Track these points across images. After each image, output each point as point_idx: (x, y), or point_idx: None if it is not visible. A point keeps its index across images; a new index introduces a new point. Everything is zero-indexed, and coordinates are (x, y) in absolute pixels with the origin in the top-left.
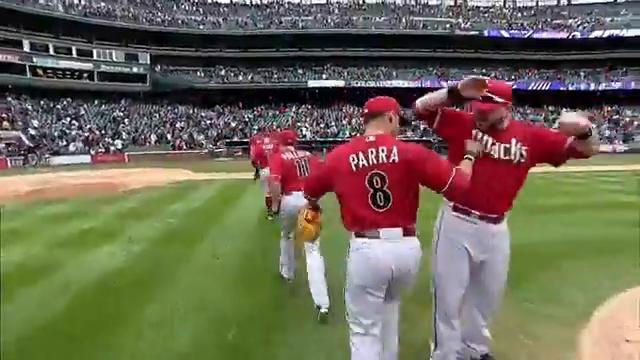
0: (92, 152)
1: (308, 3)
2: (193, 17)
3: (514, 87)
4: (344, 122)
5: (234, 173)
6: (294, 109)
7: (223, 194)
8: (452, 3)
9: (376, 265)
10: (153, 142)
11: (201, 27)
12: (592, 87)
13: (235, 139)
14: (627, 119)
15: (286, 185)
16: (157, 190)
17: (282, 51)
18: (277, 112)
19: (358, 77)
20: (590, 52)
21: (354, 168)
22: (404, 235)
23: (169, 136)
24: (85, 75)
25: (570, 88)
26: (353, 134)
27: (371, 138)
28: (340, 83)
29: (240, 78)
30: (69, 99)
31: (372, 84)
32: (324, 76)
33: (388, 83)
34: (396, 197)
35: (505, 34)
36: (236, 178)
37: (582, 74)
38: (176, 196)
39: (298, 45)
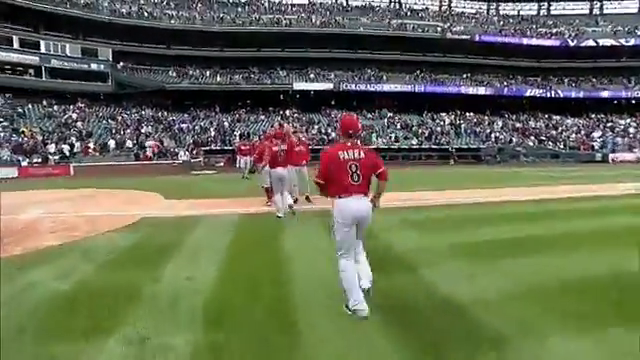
0: (23, 163)
1: (290, 2)
2: (163, 11)
3: (505, 93)
4: (336, 127)
5: (228, 200)
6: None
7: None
8: (437, 8)
9: (351, 211)
10: (111, 150)
11: (173, 22)
12: (582, 95)
13: (215, 146)
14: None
15: (273, 164)
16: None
17: (264, 51)
18: (259, 116)
19: (347, 80)
20: (582, 60)
21: (342, 159)
22: (364, 196)
23: (130, 142)
24: (31, 71)
25: (561, 95)
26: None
27: (349, 144)
28: (328, 86)
29: (218, 79)
30: (9, 98)
31: (362, 87)
32: (311, 77)
33: (379, 87)
34: (363, 177)
35: (498, 39)
36: (243, 213)
37: (568, 81)
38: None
39: (281, 45)
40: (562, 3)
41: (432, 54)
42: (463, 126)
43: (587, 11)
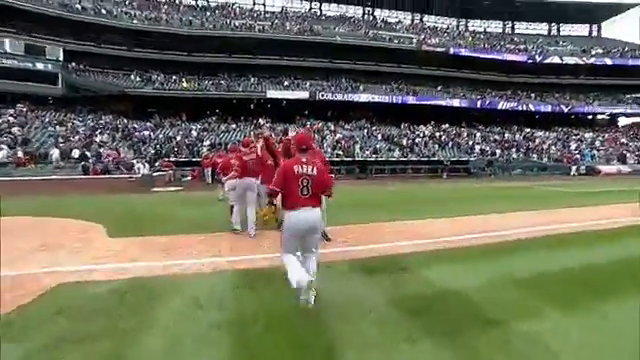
0: None
1: (263, 9)
2: (124, 9)
3: (478, 106)
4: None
5: (202, 236)
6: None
7: None
8: (410, 22)
9: (299, 223)
10: (54, 160)
11: (135, 22)
12: (549, 109)
13: (181, 158)
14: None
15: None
16: None
17: (235, 57)
18: (230, 125)
19: (323, 89)
20: (547, 76)
21: (296, 172)
22: (313, 208)
23: (77, 152)
24: None
25: (532, 109)
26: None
27: (304, 160)
28: (303, 95)
29: (185, 85)
30: None
31: (339, 97)
32: (285, 85)
33: (356, 97)
34: (313, 191)
35: (471, 53)
36: (230, 267)
37: (534, 95)
38: None
39: (253, 51)
40: (524, 23)
41: (408, 65)
42: (443, 138)
43: (546, 32)
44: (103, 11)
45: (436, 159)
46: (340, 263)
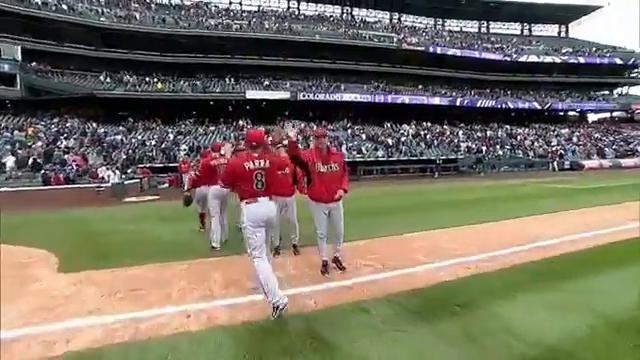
0: None
1: (240, 8)
2: (91, 6)
3: (458, 104)
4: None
5: (185, 264)
6: (230, 124)
7: None
8: (388, 21)
9: (259, 214)
10: (8, 169)
11: (103, 19)
12: (527, 106)
13: (157, 163)
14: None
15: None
16: None
17: (211, 57)
18: (209, 128)
19: (304, 89)
20: (523, 75)
21: (247, 169)
22: (270, 200)
23: (38, 160)
24: None
25: (511, 106)
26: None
27: (255, 155)
28: (284, 95)
29: (159, 87)
30: None
31: (321, 97)
32: (265, 85)
33: (338, 97)
34: (267, 184)
35: (450, 52)
36: (224, 321)
37: (510, 93)
38: None
39: (231, 51)
40: (499, 23)
41: (388, 65)
42: (428, 137)
43: (519, 31)
44: (64, 7)
45: (425, 158)
46: (376, 303)
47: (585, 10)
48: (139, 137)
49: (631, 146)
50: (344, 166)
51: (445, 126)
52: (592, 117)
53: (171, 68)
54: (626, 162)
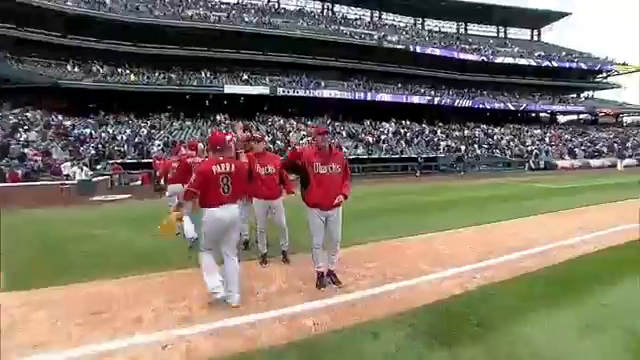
0: None
1: (218, 0)
2: None
3: (436, 103)
4: (278, 135)
5: (160, 277)
6: (207, 119)
7: None
8: (369, 19)
9: (218, 219)
10: None
11: (69, 4)
12: (502, 106)
13: (129, 159)
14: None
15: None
16: None
17: (188, 49)
18: (185, 123)
19: (284, 85)
20: (499, 76)
21: (214, 172)
22: (232, 204)
23: None
24: None
25: (487, 107)
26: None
27: (221, 158)
28: (264, 90)
29: (133, 78)
30: None
31: (302, 93)
32: (243, 79)
33: (318, 93)
34: (233, 188)
35: (430, 51)
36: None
37: (487, 93)
38: None
39: (209, 44)
40: (476, 25)
41: (369, 62)
42: (408, 135)
43: (495, 34)
44: None
45: (406, 156)
46: (385, 325)
47: (555, 16)
48: (110, 131)
49: (597, 147)
50: (346, 167)
51: (424, 125)
52: (561, 119)
53: (145, 59)
54: (594, 162)
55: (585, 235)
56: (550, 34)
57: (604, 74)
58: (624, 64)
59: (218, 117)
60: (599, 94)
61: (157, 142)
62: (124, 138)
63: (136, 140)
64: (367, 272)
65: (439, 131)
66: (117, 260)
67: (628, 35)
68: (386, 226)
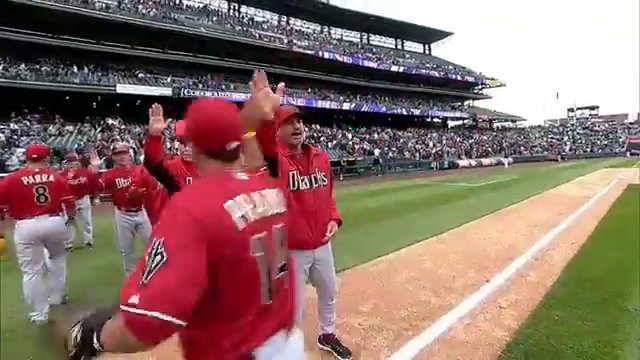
0: None
1: None
2: None
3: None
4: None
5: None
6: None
7: None
8: (277, 22)
9: (31, 231)
10: None
11: None
12: (404, 112)
13: None
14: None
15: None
16: None
17: (71, 40)
18: (66, 127)
19: (189, 87)
20: (399, 83)
21: (25, 183)
22: (50, 216)
23: None
24: None
25: (395, 112)
26: None
27: (37, 170)
28: (166, 91)
29: None
30: None
31: (209, 95)
32: (139, 77)
33: (227, 95)
34: (52, 198)
35: (338, 57)
36: None
37: (388, 99)
38: None
39: (94, 35)
40: (377, 36)
41: (278, 66)
42: (322, 139)
43: (394, 45)
44: None
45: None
46: None
47: (441, 34)
48: None
49: (484, 148)
50: (331, 176)
51: (334, 129)
52: (450, 124)
53: (4, 46)
54: (485, 161)
55: (545, 234)
56: (438, 49)
57: (480, 86)
58: (492, 79)
59: (110, 121)
60: (477, 103)
61: (20, 150)
62: None
63: None
64: (371, 320)
65: (350, 135)
66: None
67: (496, 54)
68: (349, 243)
